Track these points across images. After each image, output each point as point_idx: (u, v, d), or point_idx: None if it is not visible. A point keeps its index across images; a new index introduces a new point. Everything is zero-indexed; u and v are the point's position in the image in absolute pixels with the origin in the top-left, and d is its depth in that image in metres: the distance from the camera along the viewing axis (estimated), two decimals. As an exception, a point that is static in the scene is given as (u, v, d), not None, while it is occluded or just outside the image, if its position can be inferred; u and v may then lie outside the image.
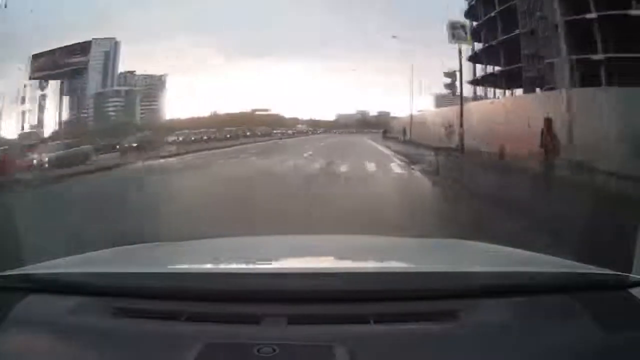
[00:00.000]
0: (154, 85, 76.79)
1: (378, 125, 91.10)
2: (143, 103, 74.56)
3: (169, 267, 1.95)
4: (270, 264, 2.08)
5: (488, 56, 52.43)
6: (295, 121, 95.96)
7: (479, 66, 55.60)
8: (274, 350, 1.23)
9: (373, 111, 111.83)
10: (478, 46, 54.68)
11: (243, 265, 2.01)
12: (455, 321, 1.38)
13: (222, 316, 1.44)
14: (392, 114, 80.00)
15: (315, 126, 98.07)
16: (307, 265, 1.97)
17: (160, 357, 1.30)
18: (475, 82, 57.09)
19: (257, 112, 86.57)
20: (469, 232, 5.80)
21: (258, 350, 1.23)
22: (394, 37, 59.49)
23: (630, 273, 1.55)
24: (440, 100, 70.38)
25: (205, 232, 3.98)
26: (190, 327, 1.40)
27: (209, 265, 2.01)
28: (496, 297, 1.47)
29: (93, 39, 65.59)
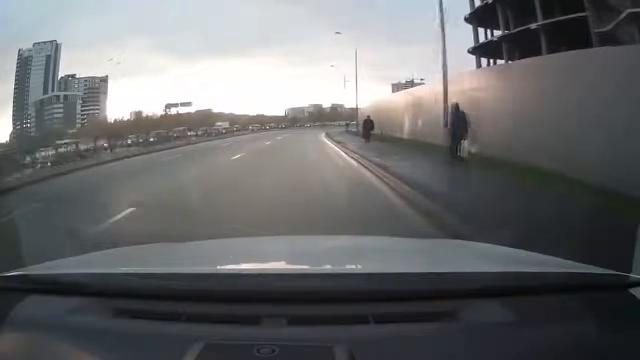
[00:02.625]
0: (94, 89, 74.24)
1: (335, 118, 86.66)
2: (84, 107, 72.08)
3: (169, 267, 1.95)
4: (270, 264, 2.10)
5: (505, 9, 35.67)
6: (244, 117, 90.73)
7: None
8: (274, 350, 1.23)
9: (326, 103, 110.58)
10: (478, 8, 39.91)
11: (243, 266, 2.03)
12: (455, 321, 1.38)
13: (222, 316, 1.44)
14: (346, 106, 78.52)
15: (263, 122, 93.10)
16: (307, 265, 1.97)
17: (160, 357, 1.30)
18: (480, 49, 42.02)
19: (172, 109, 75.91)
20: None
21: (258, 351, 1.23)
22: (337, 33, 46.62)
23: (630, 273, 1.56)
24: (397, 90, 67.62)
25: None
26: (190, 328, 1.39)
27: (209, 266, 2.01)
28: (496, 297, 1.47)
29: (34, 43, 63.06)
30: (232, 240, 3.00)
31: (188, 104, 77.93)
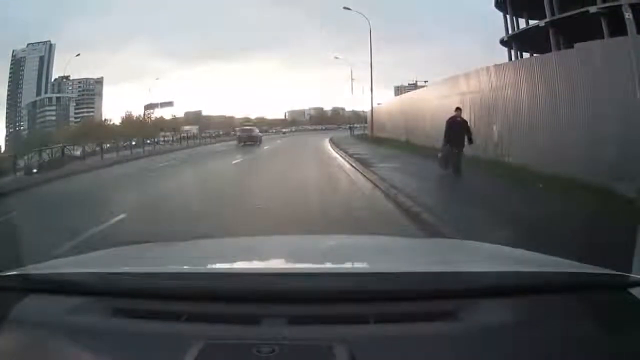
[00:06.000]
0: (89, 91, 73.29)
1: (337, 121, 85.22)
2: (77, 109, 71.39)
3: (168, 267, 1.95)
4: (270, 264, 2.10)
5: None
6: (246, 121, 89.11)
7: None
8: (274, 350, 1.23)
9: (327, 106, 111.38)
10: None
11: (243, 265, 2.02)
12: (455, 321, 1.38)
13: (222, 316, 1.44)
14: (346, 109, 77.38)
15: (264, 124, 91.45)
16: (307, 265, 1.96)
17: (160, 357, 1.30)
18: (516, 39, 35.53)
19: (153, 110, 65.82)
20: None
21: (258, 350, 1.23)
22: (346, 8, 36.80)
23: (630, 273, 1.56)
24: (400, 93, 65.25)
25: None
26: (190, 327, 1.40)
27: (208, 266, 2.01)
28: (496, 297, 1.46)
29: (28, 44, 62.55)
30: (232, 240, 3.00)
31: (169, 104, 68.59)
